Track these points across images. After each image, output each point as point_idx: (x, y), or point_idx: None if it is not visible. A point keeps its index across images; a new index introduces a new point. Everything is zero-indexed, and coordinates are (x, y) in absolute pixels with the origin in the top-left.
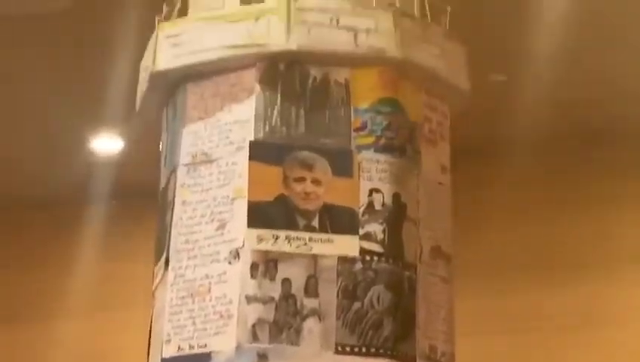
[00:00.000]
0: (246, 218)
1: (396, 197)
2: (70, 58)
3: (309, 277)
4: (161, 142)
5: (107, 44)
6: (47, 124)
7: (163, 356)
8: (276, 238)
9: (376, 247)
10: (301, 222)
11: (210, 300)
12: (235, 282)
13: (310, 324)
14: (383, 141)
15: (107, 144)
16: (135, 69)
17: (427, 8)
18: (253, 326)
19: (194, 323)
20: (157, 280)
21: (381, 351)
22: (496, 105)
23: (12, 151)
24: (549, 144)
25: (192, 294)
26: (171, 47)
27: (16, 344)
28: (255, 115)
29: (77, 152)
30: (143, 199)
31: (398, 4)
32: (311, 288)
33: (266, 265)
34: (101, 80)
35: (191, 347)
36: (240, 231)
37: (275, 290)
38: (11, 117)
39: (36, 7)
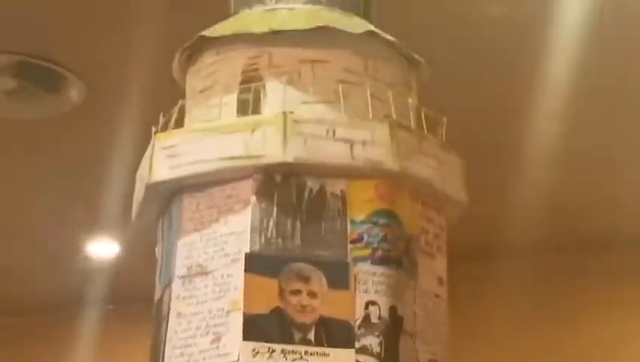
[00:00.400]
0: (241, 331)
1: (393, 310)
2: (68, 164)
3: None
4: (156, 253)
5: (104, 150)
6: (43, 229)
7: None
8: (272, 352)
9: (372, 361)
10: (297, 336)
11: None
12: None
13: None
14: (379, 253)
15: (103, 249)
16: (132, 173)
17: (423, 119)
18: None
19: None
20: None
21: None
22: (494, 211)
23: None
24: (546, 250)
25: None
26: (167, 158)
27: None
28: (251, 227)
29: (73, 258)
30: (138, 304)
31: (394, 116)
32: None
33: None
34: (97, 185)
35: None
36: (235, 345)
37: None
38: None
39: (36, 114)
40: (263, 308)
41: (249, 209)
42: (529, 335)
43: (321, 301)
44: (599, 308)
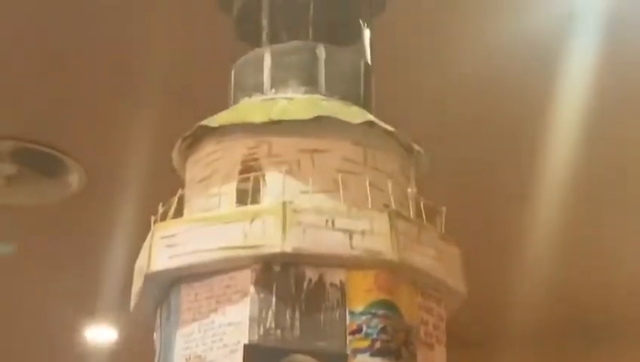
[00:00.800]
0: None
1: None
2: (66, 250)
3: None
4: (155, 342)
5: (103, 237)
6: (41, 314)
7: None
8: None
9: None
10: None
11: None
12: None
13: None
14: (378, 344)
15: (101, 335)
16: (131, 260)
17: (422, 209)
18: None
19: None
20: None
21: None
22: (494, 298)
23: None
24: (547, 336)
25: None
26: (166, 247)
27: None
28: (249, 318)
29: (71, 343)
30: None
31: (393, 205)
32: None
33: None
34: (96, 272)
35: None
36: None
37: None
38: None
39: (35, 200)
40: None
41: (247, 299)
42: None
43: None
44: None
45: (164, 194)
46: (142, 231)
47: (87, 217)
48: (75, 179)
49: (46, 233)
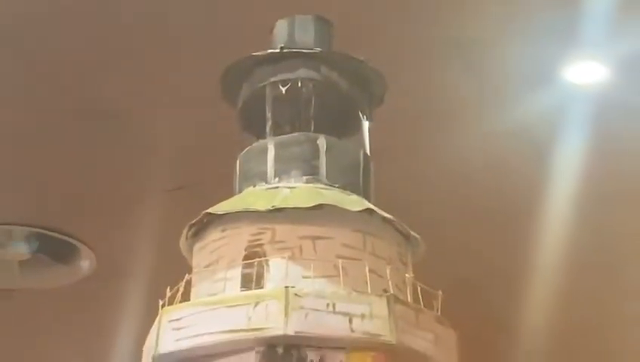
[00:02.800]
0: None
1: None
2: (76, 332)
3: None
4: None
5: (113, 319)
6: None
7: None
8: None
9: None
10: None
11: None
12: None
13: None
14: None
15: None
16: (139, 342)
17: (420, 294)
18: None
19: None
20: None
21: None
22: None
23: None
24: None
25: None
26: (173, 330)
27: None
28: None
29: None
30: None
31: (391, 290)
32: None
33: None
34: (105, 354)
35: None
36: None
37: None
38: None
39: (47, 284)
40: None
41: None
42: None
43: None
44: None
45: (172, 278)
46: (150, 314)
47: (97, 300)
48: (86, 264)
49: (58, 315)
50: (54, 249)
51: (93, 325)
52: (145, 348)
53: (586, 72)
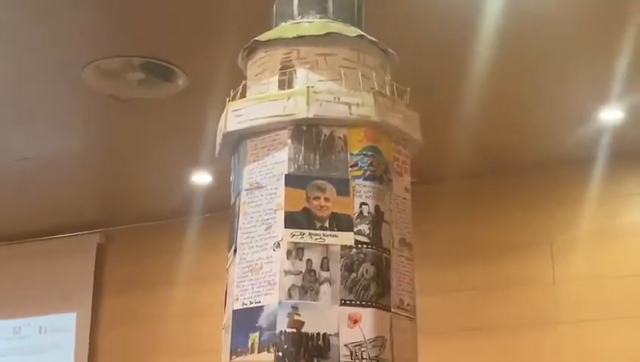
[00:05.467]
0: (283, 222)
1: (377, 207)
2: (176, 128)
3: (323, 258)
4: (231, 177)
5: (202, 120)
6: (156, 163)
7: (233, 309)
8: (302, 234)
9: (364, 239)
10: (318, 224)
11: (262, 273)
12: (277, 262)
13: (325, 288)
14: (368, 173)
15: (201, 178)
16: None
17: (395, 90)
18: (289, 289)
19: (252, 288)
20: (229, 262)
21: (369, 303)
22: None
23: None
24: (474, 175)
25: (251, 270)
26: (235, 116)
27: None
28: (288, 158)
29: (180, 185)
30: (224, 213)
31: (376, 88)
32: (325, 265)
33: (296, 251)
34: (198, 138)
35: (250, 303)
36: (280, 231)
37: (302, 267)
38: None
39: (155, 95)
40: (296, 207)
41: (286, 148)
42: (466, 226)
43: (332, 203)
44: (505, 210)
45: (238, 83)
46: (223, 108)
47: (189, 108)
48: (181, 82)
49: (162, 116)
50: (159, 72)
51: (188, 121)
52: (218, 128)
53: None
